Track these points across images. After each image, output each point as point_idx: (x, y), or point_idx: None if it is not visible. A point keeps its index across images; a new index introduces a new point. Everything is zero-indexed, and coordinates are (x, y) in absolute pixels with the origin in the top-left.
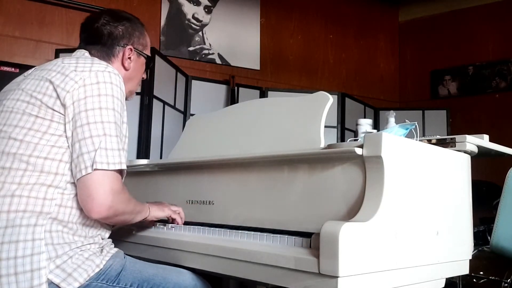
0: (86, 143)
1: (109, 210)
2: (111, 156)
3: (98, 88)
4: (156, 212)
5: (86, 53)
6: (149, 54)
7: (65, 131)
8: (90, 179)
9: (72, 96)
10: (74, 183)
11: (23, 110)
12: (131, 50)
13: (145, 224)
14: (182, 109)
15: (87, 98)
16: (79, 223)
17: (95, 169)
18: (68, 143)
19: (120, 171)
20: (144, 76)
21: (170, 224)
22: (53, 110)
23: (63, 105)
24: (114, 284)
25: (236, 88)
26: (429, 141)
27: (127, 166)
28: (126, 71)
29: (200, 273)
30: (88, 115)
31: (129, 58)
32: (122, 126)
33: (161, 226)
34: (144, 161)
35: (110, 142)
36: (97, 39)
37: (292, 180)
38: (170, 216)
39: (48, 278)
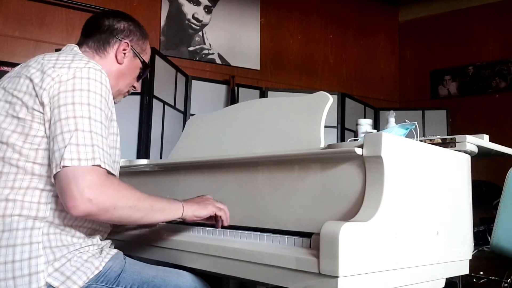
0: (57, 140)
1: (87, 204)
2: (83, 152)
3: (73, 83)
4: (196, 211)
5: (76, 48)
6: (146, 61)
7: (45, 131)
8: (61, 175)
9: (48, 94)
10: None
11: (6, 111)
12: (127, 45)
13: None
14: (182, 109)
15: (61, 93)
16: (76, 225)
17: (63, 166)
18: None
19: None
20: (136, 85)
21: (211, 228)
22: (33, 109)
23: (41, 104)
24: (114, 286)
25: (236, 88)
26: (429, 141)
27: (127, 166)
28: (119, 64)
29: (200, 274)
30: (60, 111)
31: (124, 53)
32: (112, 123)
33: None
34: (144, 161)
35: (83, 138)
36: (97, 29)
37: (292, 180)
38: (215, 214)
39: (46, 282)
